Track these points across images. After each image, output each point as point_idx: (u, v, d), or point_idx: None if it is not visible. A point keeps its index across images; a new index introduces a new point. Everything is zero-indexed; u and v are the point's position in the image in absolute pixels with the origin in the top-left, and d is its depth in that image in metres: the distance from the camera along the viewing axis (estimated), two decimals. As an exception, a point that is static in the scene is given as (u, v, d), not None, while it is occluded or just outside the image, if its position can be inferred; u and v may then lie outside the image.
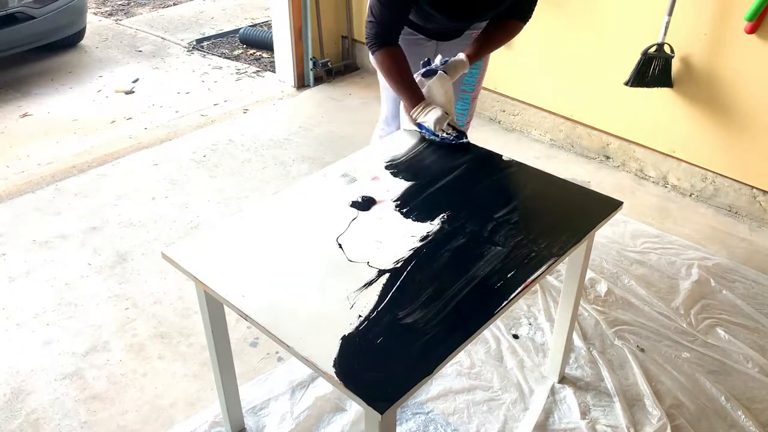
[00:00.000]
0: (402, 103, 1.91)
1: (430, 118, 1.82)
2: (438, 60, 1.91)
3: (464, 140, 1.83)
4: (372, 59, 1.90)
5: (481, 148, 1.88)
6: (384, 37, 1.83)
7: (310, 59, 3.93)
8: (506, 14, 1.90)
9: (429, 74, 1.87)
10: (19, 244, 2.58)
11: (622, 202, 1.62)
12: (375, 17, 1.80)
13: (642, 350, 2.05)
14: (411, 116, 1.86)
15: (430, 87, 1.85)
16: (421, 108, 1.84)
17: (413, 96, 1.85)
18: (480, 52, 1.96)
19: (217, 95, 3.91)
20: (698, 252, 2.50)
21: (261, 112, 3.69)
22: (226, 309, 1.44)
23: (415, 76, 1.88)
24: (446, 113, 1.83)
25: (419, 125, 1.86)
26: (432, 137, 1.85)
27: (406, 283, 1.35)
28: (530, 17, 1.95)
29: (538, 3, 1.93)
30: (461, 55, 1.92)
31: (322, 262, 1.41)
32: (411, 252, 1.44)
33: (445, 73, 1.87)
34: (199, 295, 1.50)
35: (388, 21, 1.81)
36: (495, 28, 1.94)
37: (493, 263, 1.40)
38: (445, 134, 1.83)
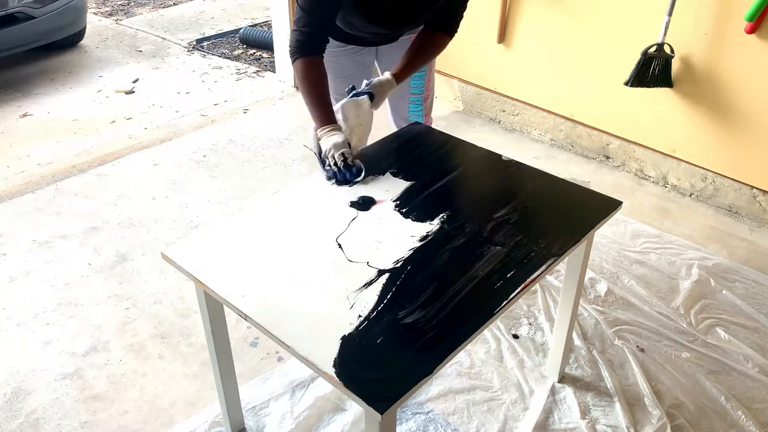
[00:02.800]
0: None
1: (328, 141, 1.67)
2: (364, 84, 1.79)
3: (354, 179, 1.66)
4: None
5: (481, 148, 1.88)
6: (307, 46, 1.73)
7: (310, 59, 3.93)
8: (433, 27, 1.86)
9: (356, 96, 1.75)
10: (19, 244, 2.58)
11: (622, 202, 1.63)
12: (298, 25, 1.72)
13: (642, 350, 2.05)
14: (316, 135, 1.72)
15: (343, 107, 1.72)
16: (327, 129, 1.69)
17: (323, 115, 1.72)
18: (407, 69, 1.85)
19: (217, 95, 3.91)
20: (698, 252, 2.50)
21: (261, 112, 3.69)
22: (226, 309, 1.44)
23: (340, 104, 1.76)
24: (348, 143, 1.68)
25: (319, 152, 1.72)
26: (323, 165, 1.70)
27: (406, 283, 1.35)
28: (456, 31, 1.89)
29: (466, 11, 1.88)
30: (387, 75, 1.81)
31: (322, 262, 1.41)
32: (411, 252, 1.44)
33: (372, 94, 1.75)
34: (199, 295, 1.50)
35: (312, 28, 1.71)
36: (421, 43, 1.87)
37: (493, 263, 1.40)
38: (332, 164, 1.66)
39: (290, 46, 1.76)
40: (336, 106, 1.75)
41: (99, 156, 3.22)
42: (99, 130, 3.49)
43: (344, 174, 1.66)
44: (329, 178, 1.69)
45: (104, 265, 2.45)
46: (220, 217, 2.72)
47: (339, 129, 1.70)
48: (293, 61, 1.76)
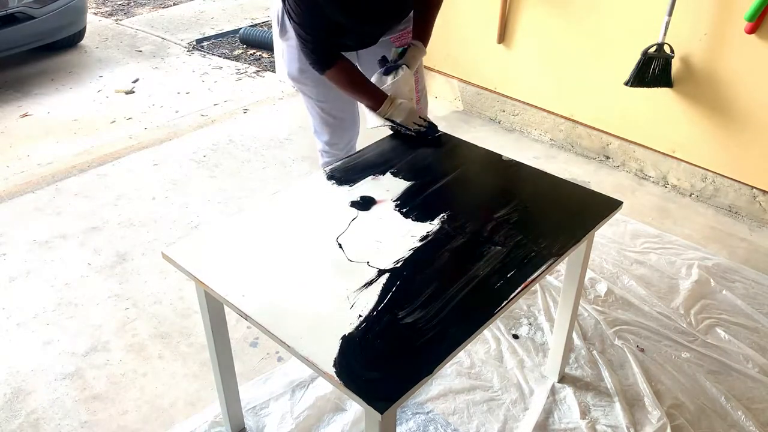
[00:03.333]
0: (363, 105, 1.90)
1: (401, 112, 1.83)
2: (395, 53, 1.91)
3: (438, 133, 1.87)
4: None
5: (481, 148, 1.88)
6: (325, 58, 1.80)
7: (310, 59, 3.93)
8: None
9: (389, 71, 1.87)
10: (19, 244, 2.58)
11: (622, 202, 1.63)
12: (304, 44, 1.77)
13: (642, 350, 2.05)
14: (380, 115, 1.85)
15: (396, 83, 1.86)
16: (389, 104, 1.84)
17: (376, 96, 1.84)
18: (423, 29, 1.94)
19: (217, 95, 3.91)
20: (698, 252, 2.50)
21: (261, 112, 3.69)
22: (226, 309, 1.44)
23: (375, 76, 1.89)
24: (413, 108, 1.85)
25: (392, 121, 1.85)
26: (406, 131, 1.86)
27: (406, 283, 1.35)
28: None
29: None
30: (415, 42, 1.92)
31: (322, 262, 1.41)
32: (411, 252, 1.44)
33: (406, 65, 1.87)
34: (199, 295, 1.50)
35: (317, 43, 1.77)
36: (421, 5, 1.93)
37: (493, 263, 1.40)
38: (418, 127, 1.85)
39: (312, 63, 1.83)
40: (385, 85, 1.87)
41: (99, 156, 3.22)
42: (99, 130, 3.49)
43: (431, 130, 1.86)
44: (417, 134, 1.86)
45: (104, 265, 2.45)
46: (220, 217, 2.72)
47: (396, 100, 1.83)
48: (323, 73, 1.84)
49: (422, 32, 1.94)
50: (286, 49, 2.02)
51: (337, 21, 1.69)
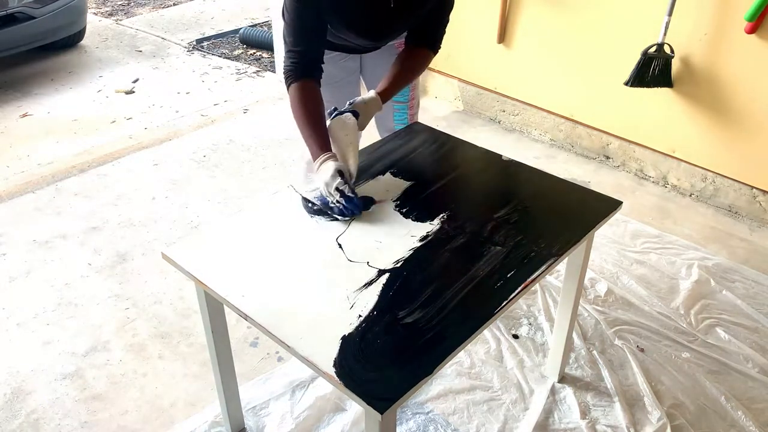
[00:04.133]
0: (304, 163, 1.70)
1: (321, 175, 1.54)
2: (346, 105, 1.69)
3: (351, 212, 1.52)
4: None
5: (481, 148, 1.88)
6: (302, 68, 1.66)
7: (310, 59, 3.93)
8: (415, 42, 1.82)
9: (332, 115, 1.66)
10: (19, 244, 2.58)
11: (622, 202, 1.63)
12: (288, 45, 1.66)
13: (642, 350, 2.05)
14: (314, 167, 1.59)
15: (330, 127, 1.63)
16: (322, 160, 1.56)
17: (318, 143, 1.59)
18: (391, 87, 1.78)
19: (217, 95, 3.91)
20: (698, 252, 2.50)
21: (261, 112, 3.69)
22: (226, 309, 1.44)
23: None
24: (339, 170, 1.53)
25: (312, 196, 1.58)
26: (316, 205, 1.55)
27: (406, 283, 1.35)
28: (440, 46, 1.85)
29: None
30: (371, 93, 1.74)
31: (322, 262, 1.41)
32: (411, 252, 1.44)
33: (356, 113, 1.65)
34: (199, 295, 1.50)
35: (304, 47, 1.65)
36: (405, 60, 1.82)
37: (493, 263, 1.40)
38: (331, 198, 1.51)
39: (284, 71, 1.68)
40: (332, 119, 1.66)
41: (99, 156, 3.22)
42: (99, 130, 3.49)
43: (347, 208, 1.51)
44: (334, 214, 1.53)
45: (104, 265, 2.45)
46: (220, 217, 2.72)
47: (331, 158, 1.56)
48: (288, 87, 1.68)
49: (388, 87, 1.76)
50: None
51: (337, 32, 1.68)
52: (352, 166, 1.60)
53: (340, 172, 1.52)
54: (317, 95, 1.67)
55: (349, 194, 1.51)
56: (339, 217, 1.53)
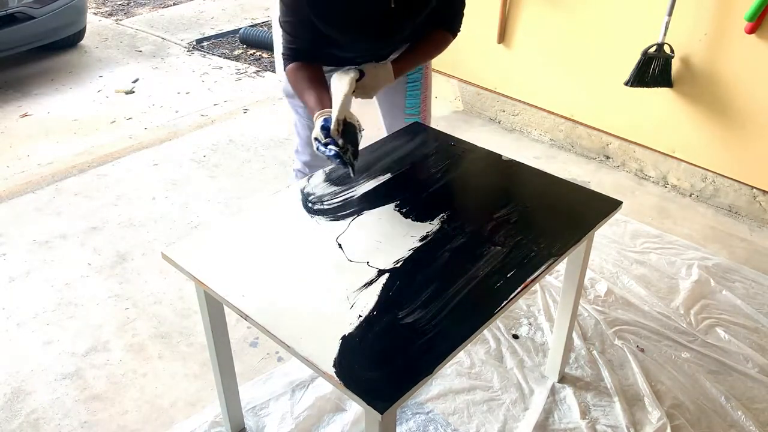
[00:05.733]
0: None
1: (316, 124, 1.55)
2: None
3: (343, 159, 1.50)
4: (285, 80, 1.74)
5: (481, 148, 1.88)
6: (297, 54, 1.69)
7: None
8: (434, 25, 1.79)
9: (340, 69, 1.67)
10: (19, 244, 2.58)
11: (622, 202, 1.63)
12: (285, 39, 1.69)
13: (642, 350, 2.05)
14: (314, 118, 1.60)
15: (332, 79, 1.64)
16: (314, 117, 1.58)
17: (313, 100, 1.61)
18: (406, 62, 1.77)
19: (217, 95, 3.91)
20: (698, 252, 2.50)
21: (261, 112, 3.69)
22: (226, 309, 1.44)
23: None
24: (324, 130, 1.52)
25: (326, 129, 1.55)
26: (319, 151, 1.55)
27: (406, 283, 1.35)
28: (459, 30, 1.82)
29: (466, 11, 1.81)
30: (385, 61, 1.74)
31: (322, 262, 1.41)
32: (411, 252, 1.44)
33: (362, 73, 1.67)
34: (199, 295, 1.50)
35: (300, 44, 1.68)
36: (423, 41, 1.80)
37: (493, 263, 1.40)
38: (320, 144, 1.52)
39: (282, 56, 1.71)
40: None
41: (99, 156, 3.22)
42: (99, 130, 3.49)
43: (335, 154, 1.49)
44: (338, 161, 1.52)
45: (104, 265, 2.45)
46: (220, 217, 2.72)
47: (327, 113, 1.56)
48: (285, 66, 1.71)
49: (402, 60, 1.77)
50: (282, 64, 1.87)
51: (330, 34, 1.65)
52: (336, 112, 1.52)
53: (323, 127, 1.52)
54: (315, 68, 1.70)
55: (326, 140, 1.51)
56: (343, 167, 1.54)
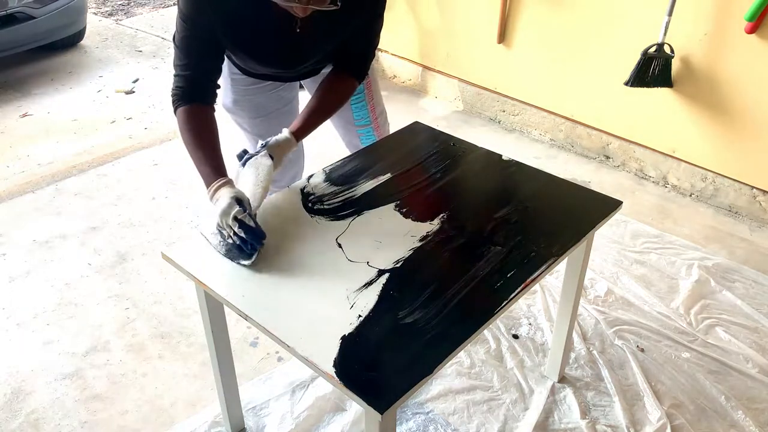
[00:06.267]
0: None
1: (218, 204, 1.38)
2: (259, 144, 1.58)
3: (251, 245, 1.37)
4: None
5: (481, 147, 1.88)
6: (189, 92, 1.51)
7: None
8: (340, 69, 1.69)
9: (245, 161, 1.55)
10: (19, 244, 2.58)
11: (622, 202, 1.63)
12: (177, 68, 1.53)
13: (642, 350, 2.05)
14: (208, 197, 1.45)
15: (240, 174, 1.53)
16: (215, 187, 1.42)
17: (210, 168, 1.45)
18: (308, 124, 1.63)
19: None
20: (698, 252, 2.50)
21: (261, 112, 3.68)
22: (226, 309, 1.44)
23: (234, 171, 1.54)
24: (240, 206, 1.38)
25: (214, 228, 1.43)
26: (213, 238, 1.42)
27: (406, 283, 1.35)
28: (366, 75, 1.73)
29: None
30: (285, 132, 1.60)
31: (322, 262, 1.40)
32: (411, 252, 1.44)
33: (270, 156, 1.53)
34: (199, 295, 1.50)
35: (194, 72, 1.51)
36: (324, 92, 1.67)
37: (493, 263, 1.40)
38: (225, 232, 1.37)
39: (171, 95, 1.54)
40: (233, 174, 1.51)
41: (99, 156, 3.22)
42: (99, 130, 3.49)
43: (248, 241, 1.36)
44: (229, 252, 1.39)
45: (104, 265, 2.45)
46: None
47: (227, 186, 1.42)
48: (174, 110, 1.53)
49: (301, 125, 1.63)
50: (222, 79, 1.72)
51: (238, 58, 1.56)
52: (254, 203, 1.45)
53: (237, 200, 1.37)
54: (208, 118, 1.53)
55: (250, 224, 1.35)
56: (241, 261, 1.36)
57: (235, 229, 1.35)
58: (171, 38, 1.56)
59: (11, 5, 3.80)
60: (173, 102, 1.54)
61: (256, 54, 1.60)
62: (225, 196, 1.38)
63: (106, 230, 2.66)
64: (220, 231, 1.39)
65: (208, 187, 1.44)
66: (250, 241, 1.36)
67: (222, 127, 1.59)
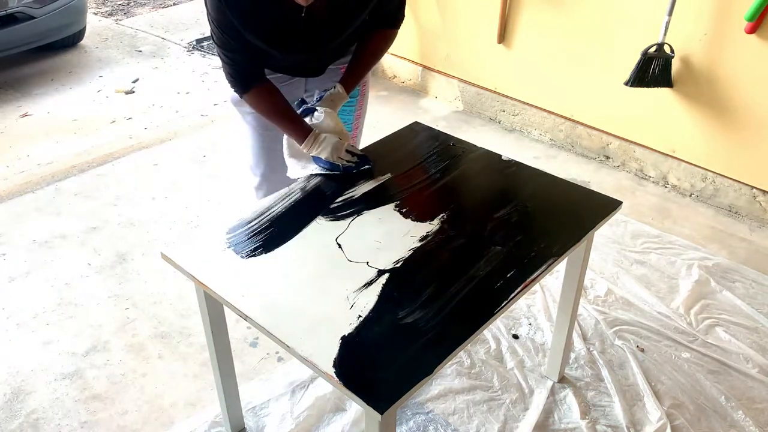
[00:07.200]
0: (286, 149, 1.76)
1: (325, 147, 1.67)
2: (315, 96, 1.78)
3: (367, 166, 1.72)
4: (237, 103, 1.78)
5: (481, 148, 1.88)
6: (245, 79, 1.67)
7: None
8: (374, 26, 1.75)
9: (307, 114, 1.73)
10: (19, 244, 2.58)
11: (622, 202, 1.63)
12: (223, 60, 1.65)
13: (642, 350, 2.05)
14: (305, 150, 1.71)
15: (317, 124, 1.71)
16: (312, 140, 1.68)
17: (300, 129, 1.69)
18: (354, 76, 1.78)
19: (217, 95, 3.91)
20: (698, 252, 2.50)
21: (261, 112, 3.68)
22: (226, 309, 1.44)
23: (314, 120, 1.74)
24: (340, 140, 1.70)
25: (316, 159, 1.71)
26: (331, 170, 1.70)
27: (406, 283, 1.35)
28: (402, 20, 1.80)
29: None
30: (338, 87, 1.75)
31: (322, 262, 1.41)
32: (411, 252, 1.44)
33: (326, 109, 1.72)
34: (199, 295, 1.50)
35: (239, 65, 1.64)
36: (365, 46, 1.78)
37: (493, 263, 1.40)
38: (344, 162, 1.69)
39: (228, 80, 1.69)
40: (311, 122, 1.72)
41: (99, 156, 3.22)
42: (99, 130, 3.49)
43: (361, 163, 1.71)
44: (344, 170, 1.70)
45: (104, 265, 2.45)
46: (220, 217, 2.72)
47: (321, 134, 1.69)
48: (241, 96, 1.71)
49: (349, 77, 1.78)
50: None
51: (259, 47, 1.61)
52: (345, 137, 1.73)
53: (337, 142, 1.67)
54: (271, 93, 1.70)
55: (357, 151, 1.72)
56: (354, 171, 1.70)
57: (348, 158, 1.69)
58: (209, 36, 1.72)
59: (11, 5, 3.80)
60: (232, 88, 1.71)
61: (278, 43, 1.65)
62: (328, 139, 1.68)
63: (106, 230, 2.66)
64: (325, 165, 1.70)
65: (304, 140, 1.68)
66: (363, 164, 1.71)
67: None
